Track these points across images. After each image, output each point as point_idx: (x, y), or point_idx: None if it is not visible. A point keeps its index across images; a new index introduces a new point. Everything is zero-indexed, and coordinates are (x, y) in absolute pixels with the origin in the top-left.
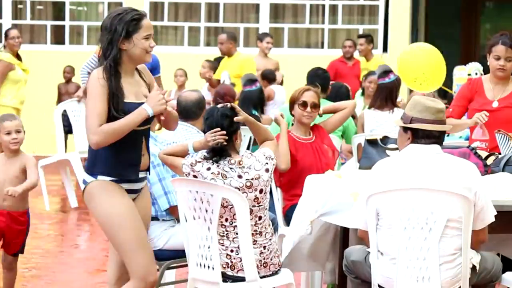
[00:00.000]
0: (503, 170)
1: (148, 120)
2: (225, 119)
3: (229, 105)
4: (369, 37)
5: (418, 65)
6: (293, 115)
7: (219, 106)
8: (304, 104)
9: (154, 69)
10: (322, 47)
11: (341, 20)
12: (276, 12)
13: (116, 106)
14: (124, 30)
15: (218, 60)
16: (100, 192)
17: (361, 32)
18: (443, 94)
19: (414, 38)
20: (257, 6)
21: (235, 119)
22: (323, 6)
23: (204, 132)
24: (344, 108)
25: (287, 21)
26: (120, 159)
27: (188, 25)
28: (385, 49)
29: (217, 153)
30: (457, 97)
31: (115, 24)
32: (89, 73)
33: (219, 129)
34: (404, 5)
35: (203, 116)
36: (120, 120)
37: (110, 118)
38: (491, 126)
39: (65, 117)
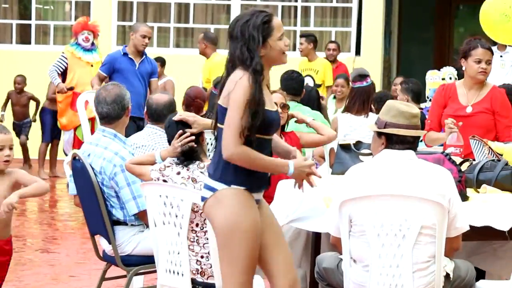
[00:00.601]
0: (477, 177)
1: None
2: (187, 125)
3: (181, 116)
4: (310, 37)
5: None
6: None
7: (174, 118)
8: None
9: (154, 73)
10: (294, 49)
11: (313, 22)
12: None
13: (256, 115)
14: (260, 36)
15: (159, 60)
16: (233, 201)
17: (333, 35)
18: (417, 99)
19: (387, 41)
20: (228, 7)
21: (189, 131)
22: (295, 8)
23: (169, 142)
24: (324, 135)
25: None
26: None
27: (157, 26)
28: (358, 52)
29: (187, 157)
30: (433, 107)
31: (248, 31)
32: (58, 73)
33: (183, 133)
34: (377, 7)
35: None
36: (263, 157)
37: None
38: (466, 132)
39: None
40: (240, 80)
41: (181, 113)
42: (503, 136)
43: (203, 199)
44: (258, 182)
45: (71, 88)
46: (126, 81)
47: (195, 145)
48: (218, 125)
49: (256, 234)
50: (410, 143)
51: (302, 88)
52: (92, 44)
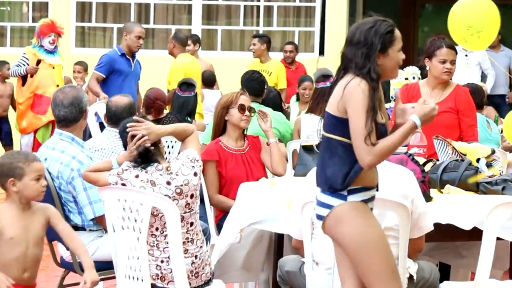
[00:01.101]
0: (440, 177)
1: None
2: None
3: (133, 130)
4: (263, 38)
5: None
6: (221, 121)
7: (128, 130)
8: (243, 108)
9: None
10: None
11: (276, 22)
12: (209, 13)
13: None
14: (380, 44)
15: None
16: (355, 215)
17: (296, 35)
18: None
19: None
20: (189, 7)
21: (144, 139)
22: (258, 7)
23: (124, 147)
24: (273, 167)
25: (221, 23)
26: (368, 174)
27: (117, 27)
28: (321, 52)
29: (145, 159)
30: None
31: (371, 38)
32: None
33: (139, 135)
34: (340, 7)
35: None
36: (391, 137)
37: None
38: (430, 132)
39: None
40: (358, 87)
41: (133, 124)
42: (467, 135)
43: (320, 217)
44: (371, 190)
45: (39, 62)
46: (124, 83)
47: (150, 146)
48: (325, 133)
49: (386, 239)
50: None
51: (263, 89)
52: (55, 46)
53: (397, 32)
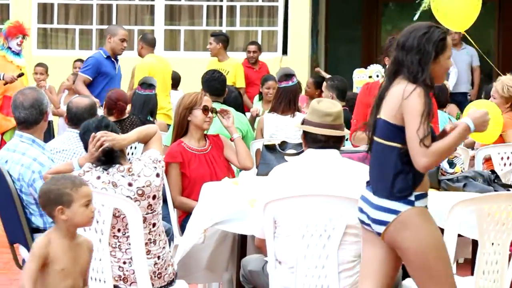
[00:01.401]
0: None
1: None
2: (104, 129)
3: (99, 142)
4: (220, 36)
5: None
6: (184, 122)
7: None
8: (206, 109)
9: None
10: None
11: (239, 22)
12: (172, 14)
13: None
14: (434, 51)
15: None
16: (422, 220)
17: (260, 34)
18: (342, 97)
19: (314, 40)
20: (151, 8)
21: (103, 140)
22: (221, 7)
23: (85, 149)
24: (240, 163)
25: (183, 23)
26: (426, 180)
27: (79, 28)
28: (284, 51)
29: (109, 159)
30: (357, 106)
31: (423, 44)
32: None
33: (99, 136)
34: (303, 6)
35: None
36: (446, 139)
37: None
38: None
39: None
40: (414, 92)
41: (98, 136)
42: None
43: (381, 222)
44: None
45: (21, 75)
46: (109, 85)
47: (113, 149)
48: (380, 140)
49: (445, 245)
50: (322, 142)
51: (224, 89)
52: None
53: (449, 39)
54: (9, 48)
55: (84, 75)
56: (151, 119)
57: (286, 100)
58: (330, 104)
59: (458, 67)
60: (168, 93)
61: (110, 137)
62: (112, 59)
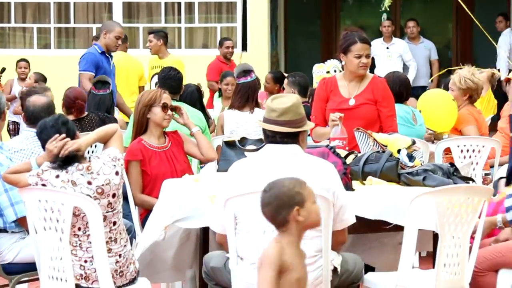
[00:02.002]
0: (362, 169)
1: None
2: (61, 127)
3: (65, 150)
4: (159, 33)
5: None
6: (143, 119)
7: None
8: (165, 106)
9: None
10: (180, 47)
11: (197, 18)
12: (130, 11)
13: None
14: None
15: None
16: None
17: (219, 31)
18: (304, 93)
19: (274, 36)
20: (109, 5)
21: (68, 150)
22: (179, 4)
23: (43, 147)
24: (203, 155)
25: (142, 21)
26: None
27: (37, 26)
28: (244, 47)
29: (67, 162)
30: (315, 102)
31: None
32: None
33: (57, 135)
34: (262, 2)
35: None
36: None
37: None
38: (351, 124)
39: None
40: None
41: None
42: (386, 125)
43: None
44: None
45: (3, 70)
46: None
47: (78, 151)
48: None
49: None
50: (270, 137)
51: (180, 86)
52: None
53: None
54: None
55: (87, 72)
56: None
57: (245, 96)
58: (281, 100)
59: (417, 61)
60: (134, 92)
61: (73, 144)
62: (106, 55)
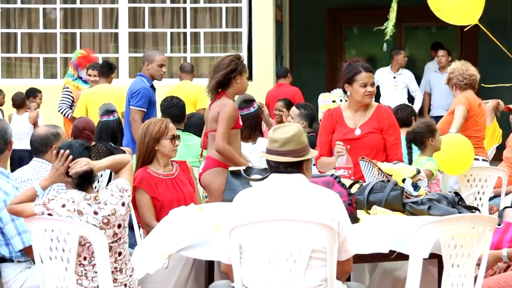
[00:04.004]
0: (367, 198)
1: None
2: (77, 149)
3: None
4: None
5: None
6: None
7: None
8: (174, 138)
9: None
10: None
11: (203, 48)
12: (136, 41)
13: None
14: None
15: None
16: None
17: None
18: (311, 125)
19: (279, 65)
20: (115, 35)
21: (78, 170)
22: (185, 34)
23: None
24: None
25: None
26: None
27: (43, 56)
28: (250, 77)
29: (83, 181)
30: (321, 133)
31: None
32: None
33: (62, 151)
34: (267, 32)
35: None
36: None
37: None
38: (357, 154)
39: None
40: None
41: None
42: (391, 153)
43: None
44: None
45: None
46: (153, 114)
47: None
48: None
49: None
50: (273, 168)
51: (184, 114)
52: None
53: None
54: (80, 78)
55: (142, 109)
56: (112, 145)
57: (249, 128)
58: (283, 130)
59: (438, 90)
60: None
61: (85, 161)
62: (153, 86)
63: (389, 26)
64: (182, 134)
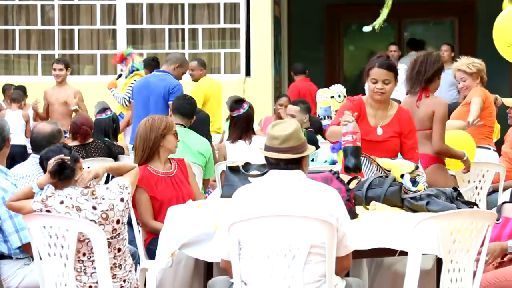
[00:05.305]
0: (366, 193)
1: None
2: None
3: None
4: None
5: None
6: (156, 147)
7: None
8: (176, 134)
9: None
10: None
11: (201, 44)
12: (134, 38)
13: None
14: None
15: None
16: None
17: (222, 56)
18: (308, 115)
19: (277, 61)
20: (113, 32)
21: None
22: (183, 30)
23: (45, 172)
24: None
25: (146, 47)
26: None
27: (41, 53)
28: (248, 73)
29: (61, 170)
30: (343, 112)
31: None
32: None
33: (59, 156)
34: (265, 28)
35: None
36: None
37: None
38: (376, 155)
39: None
40: None
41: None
42: (408, 157)
43: None
44: None
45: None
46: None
47: (68, 163)
48: None
49: None
50: (273, 164)
51: (194, 112)
52: None
53: None
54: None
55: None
56: (108, 140)
57: (239, 129)
58: (282, 126)
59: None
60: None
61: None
62: None
63: (379, 20)
64: (184, 131)
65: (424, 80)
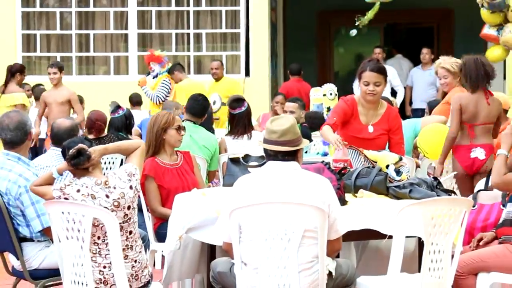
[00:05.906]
0: (354, 182)
1: None
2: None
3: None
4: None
5: None
6: (159, 141)
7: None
8: (179, 128)
9: None
10: (189, 73)
11: (205, 47)
12: (144, 41)
13: None
14: None
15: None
16: None
17: (224, 58)
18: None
19: (274, 63)
20: (125, 36)
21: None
22: (188, 34)
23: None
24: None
25: (155, 49)
26: None
27: (60, 55)
28: (247, 73)
29: (77, 156)
30: (338, 110)
31: None
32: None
33: (78, 146)
34: (263, 32)
35: None
36: None
37: None
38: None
39: None
40: None
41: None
42: (394, 151)
43: None
44: None
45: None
46: None
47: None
48: None
49: None
50: (272, 156)
51: (206, 112)
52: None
53: None
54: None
55: None
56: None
57: (241, 125)
58: (280, 121)
59: (418, 85)
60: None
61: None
62: None
63: (364, 20)
64: (193, 126)
65: (490, 79)
